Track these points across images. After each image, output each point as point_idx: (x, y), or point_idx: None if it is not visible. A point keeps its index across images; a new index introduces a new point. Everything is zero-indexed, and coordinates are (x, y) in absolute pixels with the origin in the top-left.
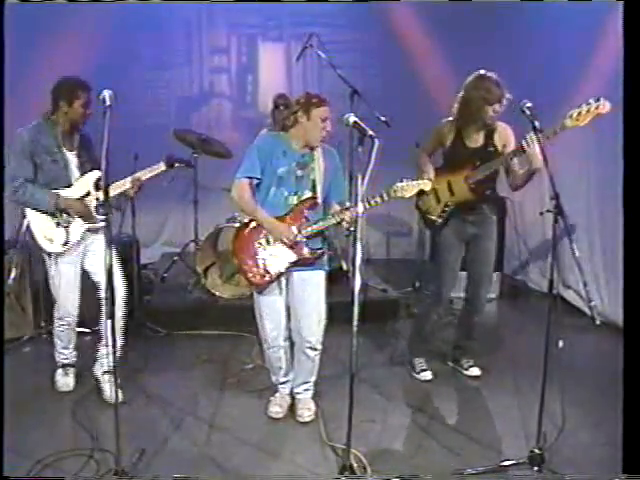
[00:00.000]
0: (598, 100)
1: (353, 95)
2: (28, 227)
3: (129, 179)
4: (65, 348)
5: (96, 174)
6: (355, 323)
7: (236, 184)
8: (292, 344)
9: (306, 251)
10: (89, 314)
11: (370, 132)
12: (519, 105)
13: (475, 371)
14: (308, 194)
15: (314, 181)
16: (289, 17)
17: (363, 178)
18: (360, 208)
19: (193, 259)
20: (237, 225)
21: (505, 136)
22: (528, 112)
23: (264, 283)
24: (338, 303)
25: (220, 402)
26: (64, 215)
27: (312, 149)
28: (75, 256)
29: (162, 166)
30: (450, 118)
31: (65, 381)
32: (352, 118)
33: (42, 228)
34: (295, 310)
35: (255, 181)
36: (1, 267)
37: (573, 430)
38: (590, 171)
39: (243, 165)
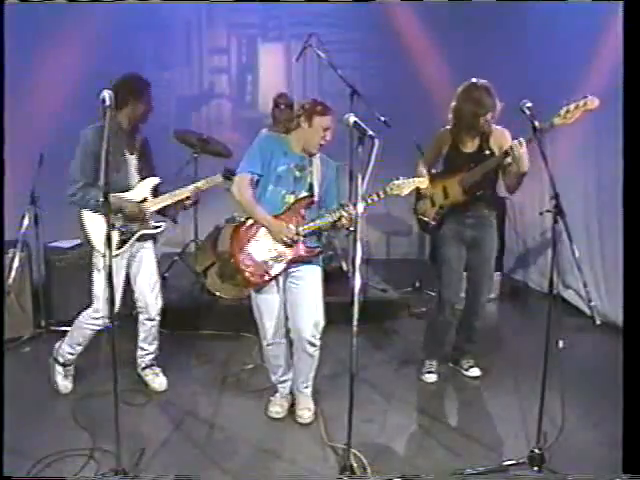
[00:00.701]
0: (586, 97)
1: (353, 95)
2: (83, 226)
3: (190, 187)
4: (79, 345)
5: (155, 180)
6: (355, 323)
7: (236, 179)
8: (291, 342)
9: (302, 249)
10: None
11: (370, 132)
12: (519, 105)
13: (475, 371)
14: (305, 194)
15: (311, 183)
16: (289, 17)
17: (363, 178)
18: (360, 208)
19: (193, 259)
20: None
21: (501, 139)
22: (528, 112)
23: (262, 282)
24: (338, 303)
25: (220, 402)
26: (120, 218)
27: (310, 155)
28: (121, 260)
29: (219, 177)
30: (448, 127)
31: (65, 384)
32: (352, 118)
33: (99, 230)
34: (292, 307)
35: (255, 177)
36: (1, 267)
37: (573, 430)
38: (590, 171)
39: (244, 161)
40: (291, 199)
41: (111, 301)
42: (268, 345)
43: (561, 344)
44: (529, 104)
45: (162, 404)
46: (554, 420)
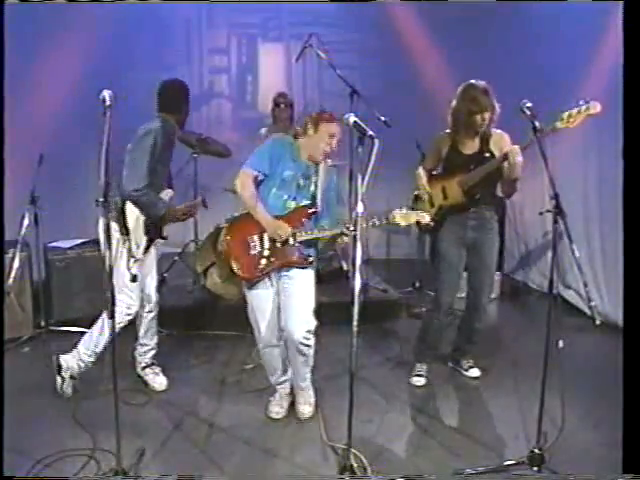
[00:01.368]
0: (588, 102)
1: (353, 95)
2: (127, 229)
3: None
4: (96, 346)
5: (171, 192)
6: (355, 323)
7: (241, 174)
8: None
9: (296, 255)
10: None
11: (370, 132)
12: (519, 105)
13: (475, 372)
14: (306, 203)
15: (314, 194)
16: (289, 17)
17: (363, 178)
18: (360, 208)
19: (193, 259)
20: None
21: (501, 142)
22: (528, 112)
23: (254, 278)
24: (338, 303)
25: (220, 402)
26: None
27: (316, 164)
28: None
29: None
30: (447, 130)
31: (68, 391)
32: (352, 118)
33: (137, 232)
34: (284, 308)
35: (260, 176)
36: (1, 267)
37: (573, 430)
38: (590, 171)
39: (252, 158)
40: (292, 205)
41: (112, 300)
42: (264, 348)
43: (561, 344)
44: (529, 104)
45: (162, 404)
46: (554, 420)
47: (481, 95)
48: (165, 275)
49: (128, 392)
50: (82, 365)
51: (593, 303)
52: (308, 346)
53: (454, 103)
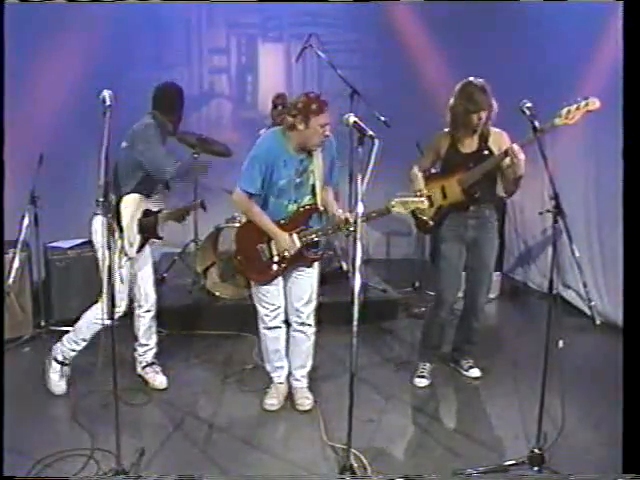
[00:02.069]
0: (587, 98)
1: (353, 95)
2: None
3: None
4: (84, 341)
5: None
6: (355, 323)
7: (236, 193)
8: (288, 326)
9: (304, 255)
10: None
11: (370, 132)
12: (519, 105)
13: (475, 372)
14: (307, 199)
15: (313, 186)
16: (289, 17)
17: (363, 178)
18: (360, 208)
19: (193, 259)
20: (237, 225)
21: (500, 141)
22: (528, 112)
23: (265, 280)
24: (338, 303)
25: (220, 402)
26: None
27: (310, 152)
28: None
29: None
30: (446, 130)
31: (60, 384)
32: (352, 118)
33: (130, 230)
34: (291, 292)
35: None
36: (1, 267)
37: (573, 430)
38: (590, 171)
39: (244, 176)
40: (294, 207)
41: (112, 300)
42: (267, 329)
43: (561, 344)
44: (529, 104)
45: (162, 404)
46: (554, 420)
47: (478, 93)
48: (165, 275)
49: (128, 392)
50: (64, 349)
51: (593, 303)
52: (311, 325)
53: (452, 101)
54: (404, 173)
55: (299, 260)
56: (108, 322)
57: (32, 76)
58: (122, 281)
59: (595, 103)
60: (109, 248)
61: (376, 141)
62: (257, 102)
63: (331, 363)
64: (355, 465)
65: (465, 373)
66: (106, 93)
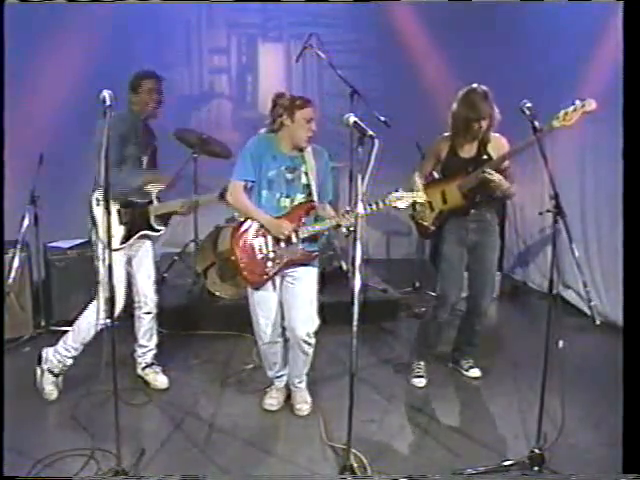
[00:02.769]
0: (584, 99)
1: (353, 95)
2: (94, 220)
3: (180, 201)
4: (83, 344)
5: (160, 187)
6: (355, 323)
7: (231, 187)
8: (286, 340)
9: (300, 252)
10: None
11: (370, 132)
12: (519, 105)
13: (475, 372)
14: (300, 197)
15: (308, 185)
16: (289, 17)
17: (363, 178)
18: (360, 208)
19: (193, 259)
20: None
21: (499, 146)
22: (528, 112)
23: (260, 281)
24: (338, 303)
25: (220, 402)
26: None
27: (301, 150)
28: (121, 256)
29: (215, 197)
30: (446, 134)
31: (54, 393)
32: (352, 118)
33: (113, 222)
34: (288, 306)
35: (249, 184)
36: (1, 267)
37: (573, 430)
38: (589, 171)
39: (237, 168)
40: (287, 202)
41: (111, 300)
42: (264, 344)
43: (561, 344)
44: (529, 104)
45: (162, 404)
46: (554, 420)
47: (481, 101)
48: (165, 275)
49: (128, 392)
50: (59, 358)
51: (593, 303)
52: (310, 344)
53: (454, 107)
54: (404, 173)
55: (294, 256)
56: (105, 323)
57: (32, 76)
58: (110, 278)
59: (592, 104)
60: (109, 247)
61: (376, 141)
62: (257, 102)
63: (331, 363)
64: (355, 465)
65: (465, 373)
66: (106, 93)
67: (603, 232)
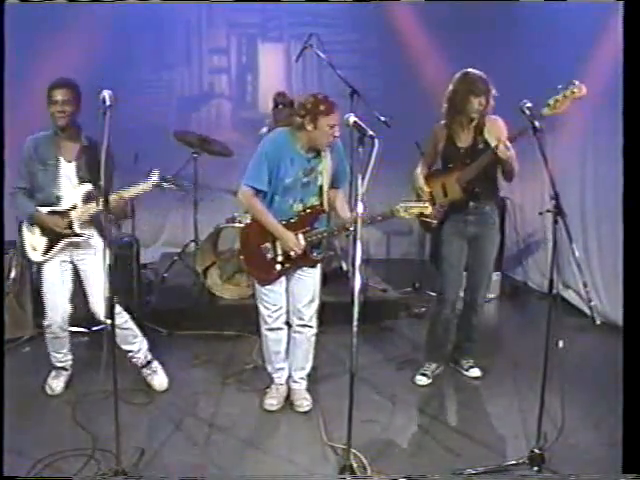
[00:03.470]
0: (574, 84)
1: (353, 95)
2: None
3: (114, 196)
4: (56, 352)
5: (86, 187)
6: (355, 323)
7: (242, 190)
8: (289, 326)
9: (308, 257)
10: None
11: (370, 132)
12: (519, 105)
13: (475, 372)
14: (313, 200)
15: (321, 187)
16: (289, 17)
17: (363, 178)
18: (360, 208)
19: (193, 259)
20: (238, 225)
21: (496, 129)
22: (528, 112)
23: (269, 280)
24: (338, 303)
25: (220, 402)
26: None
27: (318, 151)
28: (61, 264)
29: (149, 185)
30: (442, 122)
31: (52, 384)
32: (352, 118)
33: (30, 235)
34: (293, 293)
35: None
36: (1, 267)
37: (573, 430)
38: (589, 171)
39: (250, 171)
40: (299, 207)
41: (111, 300)
42: (269, 330)
43: (561, 344)
44: (529, 104)
45: (162, 404)
46: (554, 420)
47: (478, 80)
48: (165, 275)
49: (128, 392)
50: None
51: (593, 303)
52: (312, 327)
53: (450, 88)
54: (404, 173)
55: (303, 261)
56: (63, 327)
57: (32, 76)
58: (45, 292)
59: (582, 89)
60: (109, 247)
61: (376, 141)
62: (257, 102)
63: (331, 363)
64: (355, 465)
65: (465, 373)
66: (106, 93)
67: (603, 232)
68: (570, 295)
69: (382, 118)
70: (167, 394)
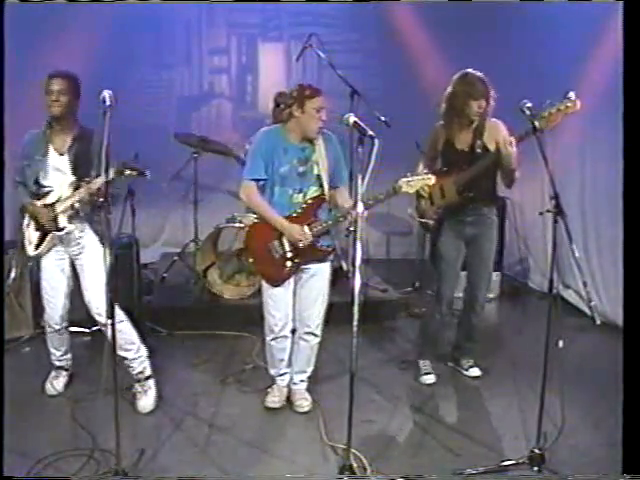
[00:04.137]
0: (569, 98)
1: (353, 95)
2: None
3: (82, 190)
4: (56, 349)
5: (69, 179)
6: (355, 323)
7: (244, 186)
8: (293, 332)
9: (317, 249)
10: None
11: (370, 132)
12: (519, 105)
13: (475, 371)
14: (313, 190)
15: (319, 176)
16: (289, 17)
17: (363, 178)
18: (360, 208)
19: (193, 259)
20: (238, 225)
21: (496, 132)
22: (528, 112)
23: (280, 279)
24: (338, 303)
25: (220, 402)
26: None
27: (311, 141)
28: (57, 260)
29: (111, 173)
30: (441, 122)
31: (53, 384)
32: (352, 118)
33: (27, 229)
34: (301, 298)
35: (261, 182)
36: (1, 267)
37: (573, 430)
38: (588, 171)
39: (247, 166)
40: (299, 198)
41: (111, 300)
42: (274, 339)
43: (561, 344)
44: (529, 104)
45: (162, 404)
46: (554, 420)
47: (478, 82)
48: (165, 275)
49: (128, 392)
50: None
51: (593, 303)
52: (317, 336)
53: (449, 90)
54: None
55: (312, 253)
56: (61, 325)
57: (32, 76)
58: (43, 289)
59: (576, 105)
60: (109, 247)
61: (376, 141)
62: (257, 102)
63: (331, 363)
64: (355, 465)
65: (465, 373)
66: (106, 93)
67: (603, 232)
68: (570, 295)
69: (382, 118)
70: (167, 394)
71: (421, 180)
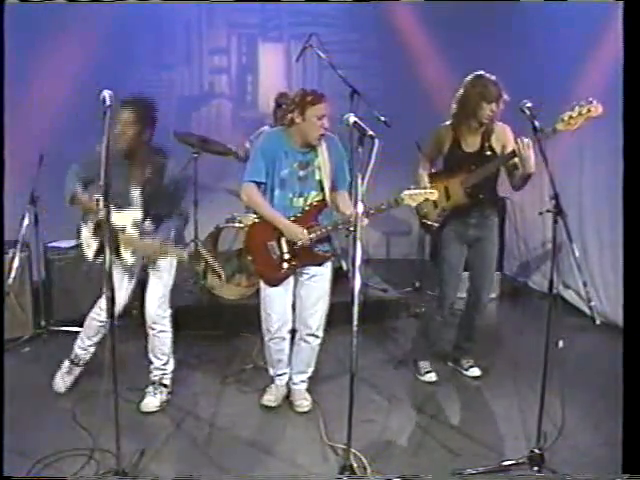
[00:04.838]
0: (590, 102)
1: (353, 95)
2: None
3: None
4: (88, 339)
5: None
6: (355, 323)
7: (244, 187)
8: (293, 332)
9: (315, 253)
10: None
11: (370, 132)
12: (519, 105)
13: (475, 371)
14: (314, 194)
15: (320, 182)
16: (289, 17)
17: (363, 178)
18: (360, 208)
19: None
20: (238, 225)
21: (504, 137)
22: (528, 112)
23: (276, 280)
24: (338, 303)
25: (220, 402)
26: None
27: (314, 146)
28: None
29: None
30: (447, 122)
31: (64, 379)
32: (352, 118)
33: (87, 233)
34: (301, 299)
35: (262, 185)
36: (1, 267)
37: (573, 430)
38: (588, 171)
39: (248, 168)
40: (300, 202)
41: (111, 300)
42: (272, 339)
43: (561, 344)
44: (529, 104)
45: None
46: (554, 420)
47: (492, 85)
48: None
49: (128, 392)
50: (75, 350)
51: (593, 303)
52: (317, 337)
53: (462, 91)
54: (404, 173)
55: (309, 257)
56: (104, 320)
57: (32, 76)
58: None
59: (598, 109)
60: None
61: (376, 141)
62: (257, 102)
63: (331, 363)
64: (355, 465)
65: (465, 372)
66: (106, 93)
67: (603, 232)
68: (570, 295)
69: (382, 118)
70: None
71: (424, 194)
